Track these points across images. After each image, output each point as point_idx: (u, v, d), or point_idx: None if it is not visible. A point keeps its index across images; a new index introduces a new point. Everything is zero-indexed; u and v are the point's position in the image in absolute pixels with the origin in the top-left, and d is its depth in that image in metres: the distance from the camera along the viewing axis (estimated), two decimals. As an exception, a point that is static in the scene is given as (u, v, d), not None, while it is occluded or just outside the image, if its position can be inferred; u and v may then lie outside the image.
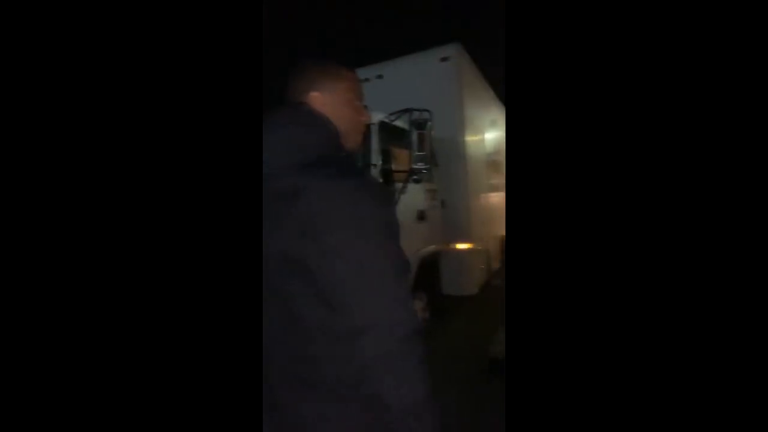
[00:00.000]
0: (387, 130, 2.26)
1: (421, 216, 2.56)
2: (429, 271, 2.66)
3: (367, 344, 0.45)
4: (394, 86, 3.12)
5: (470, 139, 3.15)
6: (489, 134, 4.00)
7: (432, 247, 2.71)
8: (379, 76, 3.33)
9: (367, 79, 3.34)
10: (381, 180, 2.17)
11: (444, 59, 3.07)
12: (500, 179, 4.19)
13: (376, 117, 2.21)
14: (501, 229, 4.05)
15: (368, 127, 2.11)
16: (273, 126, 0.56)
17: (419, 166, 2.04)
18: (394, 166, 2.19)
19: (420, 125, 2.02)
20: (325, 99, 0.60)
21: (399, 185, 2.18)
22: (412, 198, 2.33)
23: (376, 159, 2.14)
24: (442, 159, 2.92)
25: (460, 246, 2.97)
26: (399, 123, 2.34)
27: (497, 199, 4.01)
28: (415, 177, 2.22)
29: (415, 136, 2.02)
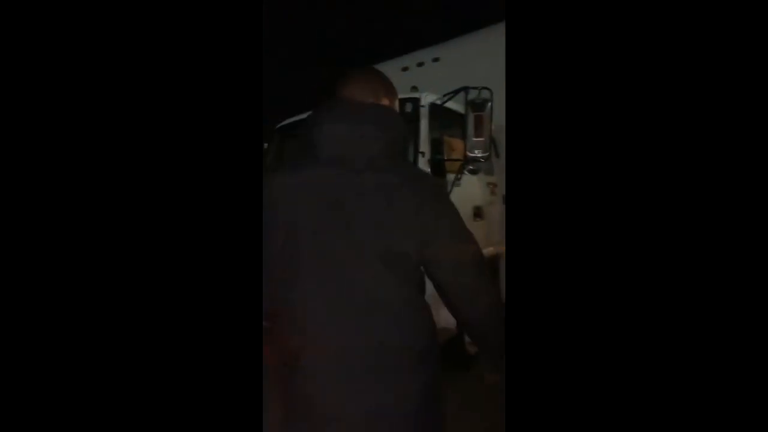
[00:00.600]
0: (438, 113, 2.09)
1: (478, 213, 2.35)
2: (487, 277, 2.46)
3: (486, 310, 0.67)
4: (452, 69, 2.92)
5: (541, 125, 2.78)
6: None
7: (491, 249, 2.47)
8: (436, 59, 3.13)
9: (421, 63, 3.16)
10: (430, 171, 2.00)
11: (511, 33, 2.76)
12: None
13: (427, 99, 2.04)
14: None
15: (416, 110, 1.94)
16: (350, 119, 0.62)
17: (476, 154, 1.84)
18: (445, 155, 2.00)
19: (478, 106, 1.82)
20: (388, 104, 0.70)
21: (451, 177, 1.98)
22: (467, 192, 2.14)
23: (424, 146, 1.97)
24: (505, 148, 2.64)
25: (525, 249, 2.65)
26: (453, 105, 2.13)
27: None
28: (470, 167, 2.02)
29: (471, 119, 1.81)
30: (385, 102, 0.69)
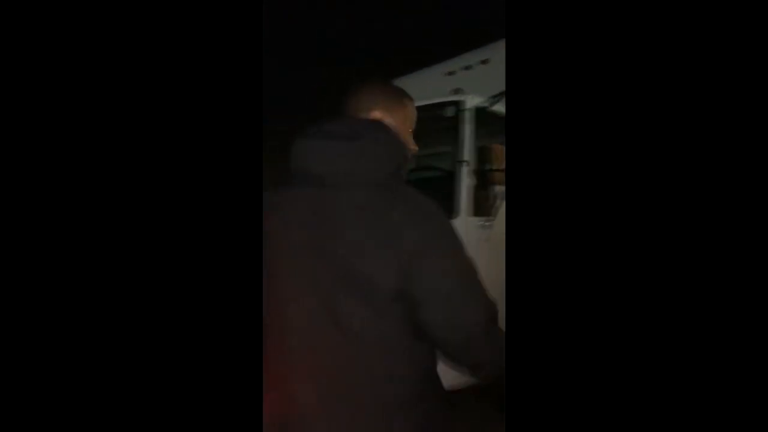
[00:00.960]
0: (485, 118, 1.95)
1: (531, 229, 2.12)
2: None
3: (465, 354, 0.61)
4: (503, 71, 2.74)
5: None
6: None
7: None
8: (484, 61, 3.00)
9: (468, 67, 3.05)
10: (475, 182, 1.87)
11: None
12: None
13: (471, 102, 1.92)
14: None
15: (459, 115, 1.84)
16: (341, 137, 0.61)
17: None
18: (492, 165, 1.85)
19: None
20: (386, 121, 0.66)
21: (497, 189, 1.83)
22: (516, 206, 1.93)
23: (468, 155, 1.85)
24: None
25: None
26: (502, 109, 1.98)
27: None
28: (522, 178, 1.83)
29: (523, 124, 1.65)
30: (377, 114, 0.66)
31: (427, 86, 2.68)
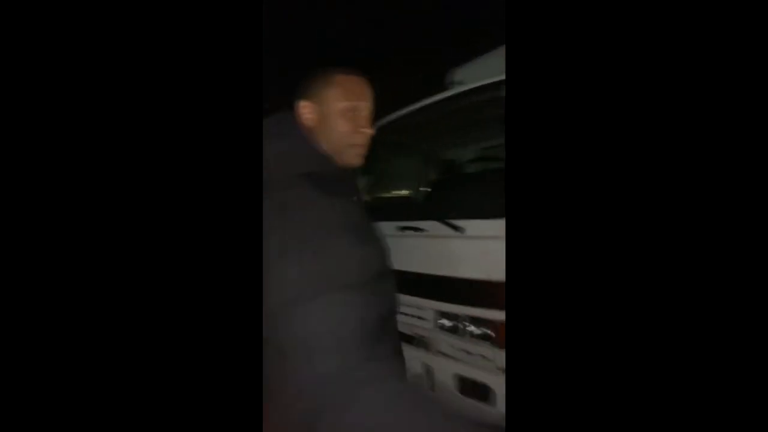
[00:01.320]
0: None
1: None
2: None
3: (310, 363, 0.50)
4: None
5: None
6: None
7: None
8: None
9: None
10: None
11: None
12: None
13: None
14: None
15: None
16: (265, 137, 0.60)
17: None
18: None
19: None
20: (310, 108, 0.63)
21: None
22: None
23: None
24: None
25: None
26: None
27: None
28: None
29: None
30: (301, 103, 0.63)
31: (486, 72, 2.54)
